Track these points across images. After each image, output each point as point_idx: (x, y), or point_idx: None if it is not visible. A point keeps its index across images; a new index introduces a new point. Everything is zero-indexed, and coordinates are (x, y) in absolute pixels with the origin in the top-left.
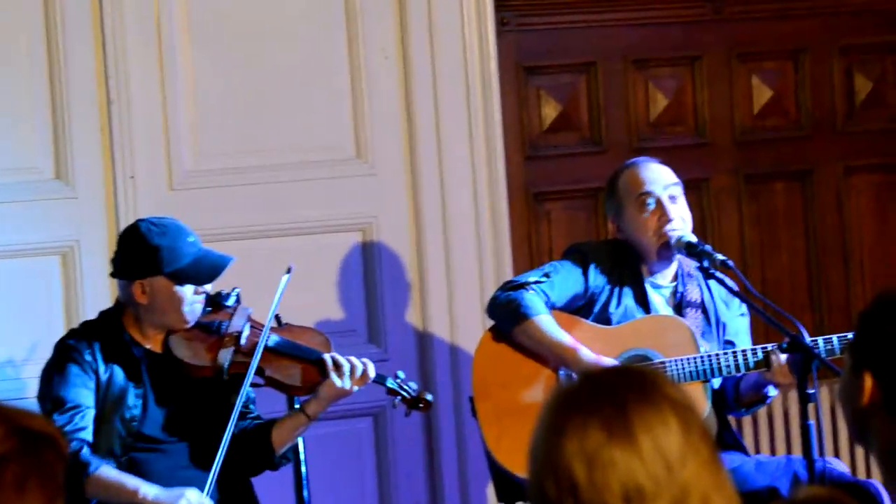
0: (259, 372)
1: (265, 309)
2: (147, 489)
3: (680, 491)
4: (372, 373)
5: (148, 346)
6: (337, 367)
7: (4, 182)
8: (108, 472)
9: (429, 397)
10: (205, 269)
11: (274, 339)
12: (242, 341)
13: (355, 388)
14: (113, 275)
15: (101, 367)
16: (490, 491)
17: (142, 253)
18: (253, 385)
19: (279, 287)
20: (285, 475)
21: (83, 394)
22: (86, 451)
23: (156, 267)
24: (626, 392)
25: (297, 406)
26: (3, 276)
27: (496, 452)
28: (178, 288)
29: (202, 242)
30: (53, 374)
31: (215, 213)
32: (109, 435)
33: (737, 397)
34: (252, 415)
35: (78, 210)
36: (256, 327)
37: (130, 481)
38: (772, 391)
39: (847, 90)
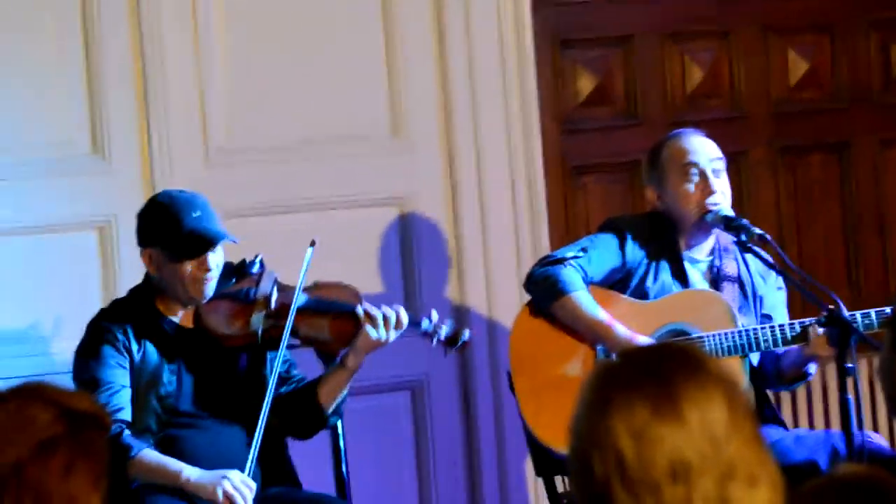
0: (293, 332)
1: (297, 280)
2: (189, 471)
3: (726, 467)
4: (405, 318)
5: (178, 321)
6: (370, 318)
7: (41, 157)
8: (149, 454)
9: (466, 334)
10: (196, 244)
11: (304, 297)
12: (272, 304)
13: (392, 335)
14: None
15: (134, 346)
16: (528, 465)
17: (149, 221)
18: (289, 347)
19: (304, 261)
20: (324, 449)
21: (119, 374)
22: (126, 433)
23: (152, 238)
24: (672, 368)
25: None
26: (39, 252)
27: (534, 427)
28: (177, 263)
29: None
30: (87, 356)
31: (251, 188)
32: (146, 413)
33: (777, 373)
34: (296, 378)
35: (114, 185)
36: (284, 290)
37: (172, 464)
38: (812, 368)
39: (883, 63)
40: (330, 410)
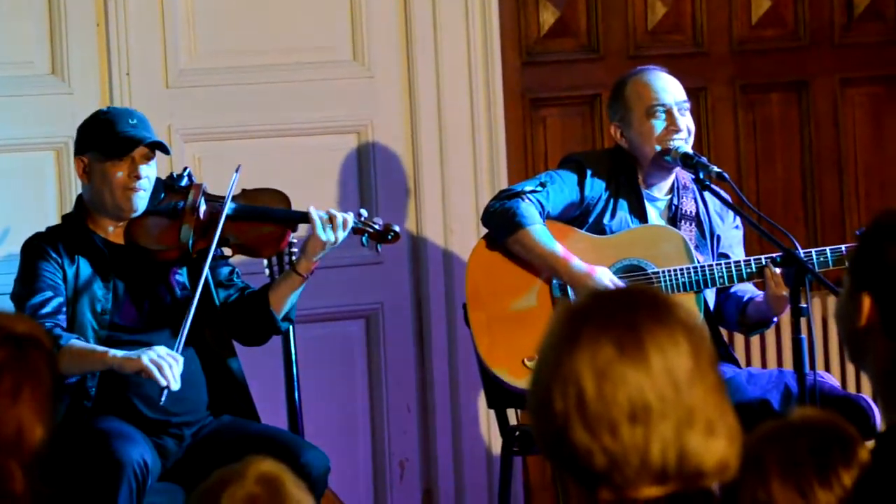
0: (224, 242)
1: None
2: (115, 351)
3: (686, 412)
4: (351, 218)
5: (110, 240)
6: (323, 221)
7: (0, 76)
8: (76, 343)
9: (396, 228)
10: (122, 144)
11: (232, 205)
12: (201, 216)
13: (340, 235)
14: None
15: (66, 262)
16: (480, 397)
17: (85, 129)
18: (222, 257)
19: (230, 185)
20: (276, 377)
21: (53, 283)
22: (57, 329)
23: (88, 142)
24: (641, 312)
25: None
26: None
27: (488, 360)
28: (108, 166)
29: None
30: (22, 272)
31: (210, 112)
32: (83, 329)
33: (740, 319)
34: (239, 286)
35: (73, 106)
36: (212, 200)
37: (99, 348)
38: (775, 319)
39: (845, 2)
40: (281, 315)
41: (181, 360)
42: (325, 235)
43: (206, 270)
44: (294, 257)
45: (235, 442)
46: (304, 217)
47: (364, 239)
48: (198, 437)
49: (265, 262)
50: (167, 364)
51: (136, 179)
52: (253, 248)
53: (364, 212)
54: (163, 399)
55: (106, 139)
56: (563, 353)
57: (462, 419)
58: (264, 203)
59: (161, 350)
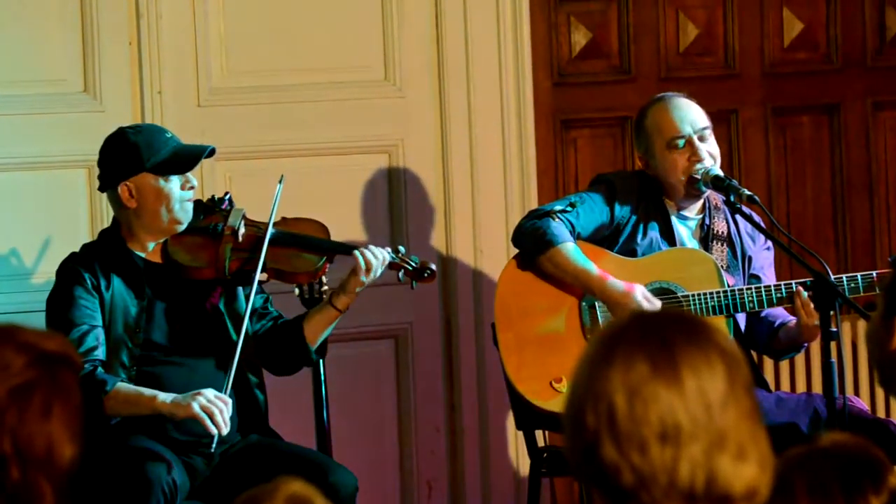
0: (262, 266)
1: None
2: (164, 396)
3: (717, 435)
4: (388, 257)
5: (147, 257)
6: (365, 260)
7: (32, 93)
8: (123, 387)
9: (433, 266)
10: (184, 157)
11: (272, 231)
12: (240, 238)
13: (379, 272)
14: (100, 188)
15: (103, 283)
16: (509, 418)
17: (122, 153)
18: (259, 283)
19: (275, 196)
20: (305, 396)
21: (90, 314)
22: (100, 370)
23: (137, 163)
24: (675, 332)
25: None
26: (29, 188)
27: (516, 381)
28: (163, 183)
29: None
30: (58, 299)
31: (241, 130)
32: (117, 347)
33: (771, 344)
34: (272, 315)
35: (105, 124)
36: (252, 224)
37: (146, 391)
38: (805, 344)
39: (878, 25)
40: (315, 347)
41: (230, 402)
42: (366, 277)
43: (251, 298)
44: (325, 286)
45: (264, 461)
46: (346, 250)
47: (400, 274)
48: (226, 457)
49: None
50: (217, 410)
51: (191, 189)
52: (289, 274)
53: (402, 248)
54: (213, 447)
55: (159, 158)
56: (597, 369)
57: (490, 440)
58: (304, 231)
59: (210, 395)
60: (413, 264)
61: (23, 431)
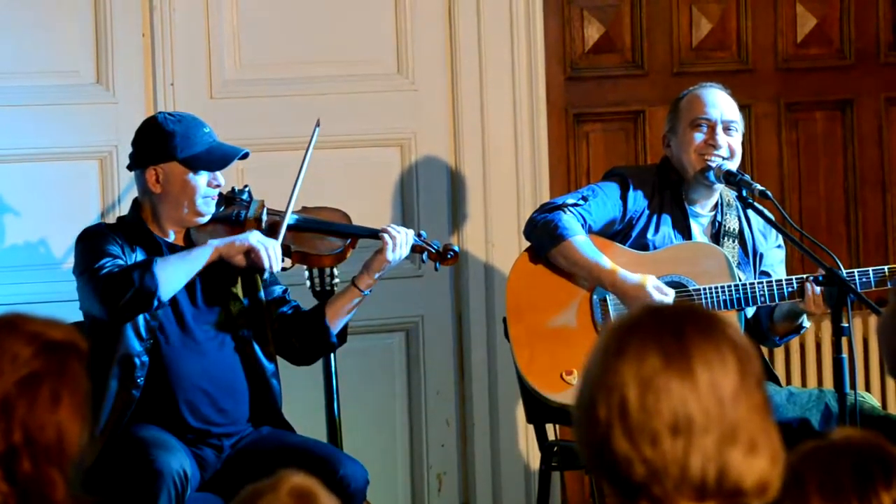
0: (285, 251)
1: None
2: (214, 241)
3: (728, 429)
4: (413, 239)
5: (169, 240)
6: (394, 240)
7: (45, 84)
8: (164, 259)
9: (455, 248)
10: (218, 156)
11: (294, 217)
12: (263, 225)
13: (403, 253)
14: (129, 167)
15: (127, 250)
16: (519, 411)
17: (157, 138)
18: (282, 269)
19: (311, 139)
20: (316, 389)
21: (121, 254)
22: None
23: (170, 152)
24: (689, 326)
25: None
26: (41, 179)
27: (527, 375)
28: (191, 176)
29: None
30: (86, 253)
31: (254, 123)
32: (136, 318)
33: (771, 326)
34: (293, 304)
35: (117, 115)
36: (273, 213)
37: (190, 250)
38: (806, 321)
39: (891, 21)
40: (336, 330)
41: (278, 243)
42: (393, 254)
43: (277, 269)
44: (336, 279)
45: (274, 454)
46: (374, 234)
47: (424, 256)
48: (237, 449)
49: (306, 273)
50: (271, 245)
51: (217, 187)
52: (314, 257)
53: (424, 233)
54: (267, 274)
55: (194, 151)
56: (609, 361)
57: (501, 433)
58: (327, 218)
59: (259, 234)
60: (436, 247)
61: (33, 422)
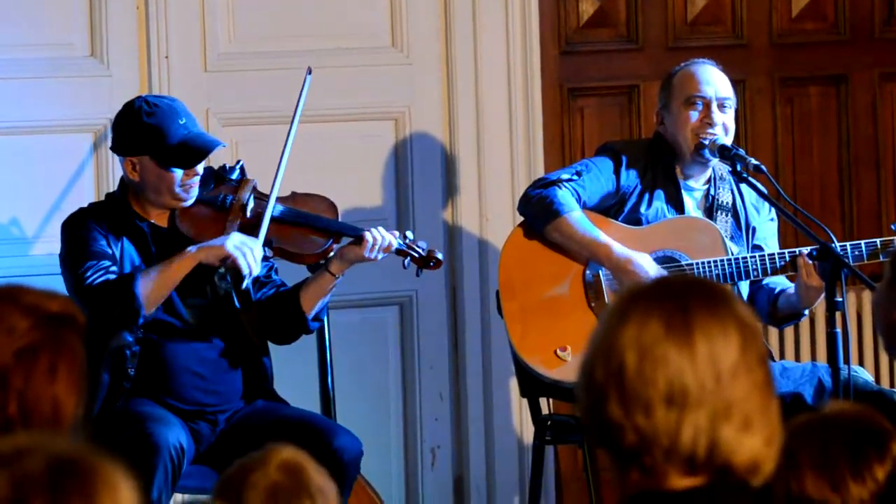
0: (267, 243)
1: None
2: (190, 248)
3: (723, 404)
4: (395, 243)
5: (153, 221)
6: (374, 243)
7: (39, 57)
8: (145, 274)
9: (439, 255)
10: (190, 153)
11: (279, 208)
12: (248, 214)
13: (380, 256)
14: (112, 148)
15: (112, 240)
16: (513, 386)
17: (131, 131)
18: (264, 258)
19: (303, 88)
20: (310, 362)
21: (108, 252)
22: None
23: (141, 147)
24: (695, 297)
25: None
26: (34, 152)
27: (520, 350)
28: (165, 169)
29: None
30: (70, 246)
31: (248, 96)
32: None
33: (772, 311)
34: (276, 283)
35: (111, 88)
36: (261, 198)
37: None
38: (806, 311)
39: None
40: (311, 315)
41: (261, 253)
42: (369, 255)
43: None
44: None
45: (268, 426)
46: (355, 233)
47: (406, 262)
48: (231, 422)
49: None
50: (249, 250)
51: (194, 176)
52: (295, 255)
53: (410, 234)
54: (245, 284)
55: (164, 149)
56: (611, 326)
57: (494, 407)
58: (313, 210)
59: (239, 237)
60: (420, 251)
61: (29, 394)
